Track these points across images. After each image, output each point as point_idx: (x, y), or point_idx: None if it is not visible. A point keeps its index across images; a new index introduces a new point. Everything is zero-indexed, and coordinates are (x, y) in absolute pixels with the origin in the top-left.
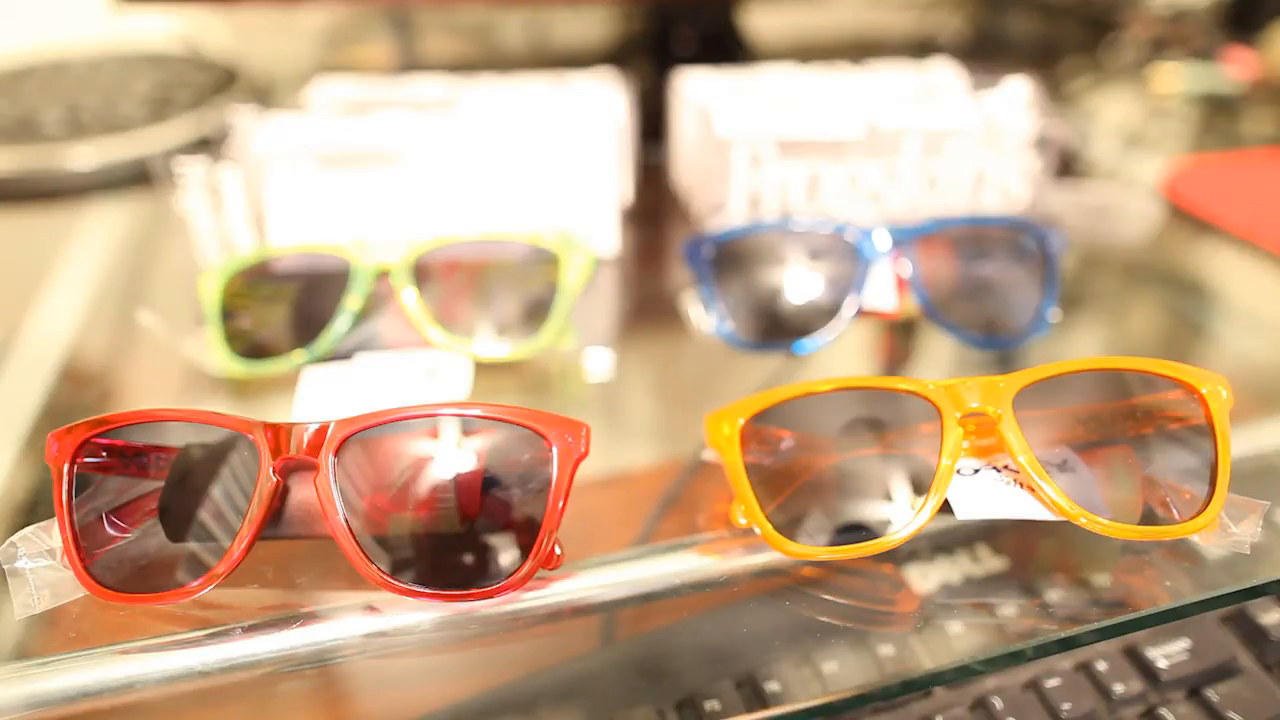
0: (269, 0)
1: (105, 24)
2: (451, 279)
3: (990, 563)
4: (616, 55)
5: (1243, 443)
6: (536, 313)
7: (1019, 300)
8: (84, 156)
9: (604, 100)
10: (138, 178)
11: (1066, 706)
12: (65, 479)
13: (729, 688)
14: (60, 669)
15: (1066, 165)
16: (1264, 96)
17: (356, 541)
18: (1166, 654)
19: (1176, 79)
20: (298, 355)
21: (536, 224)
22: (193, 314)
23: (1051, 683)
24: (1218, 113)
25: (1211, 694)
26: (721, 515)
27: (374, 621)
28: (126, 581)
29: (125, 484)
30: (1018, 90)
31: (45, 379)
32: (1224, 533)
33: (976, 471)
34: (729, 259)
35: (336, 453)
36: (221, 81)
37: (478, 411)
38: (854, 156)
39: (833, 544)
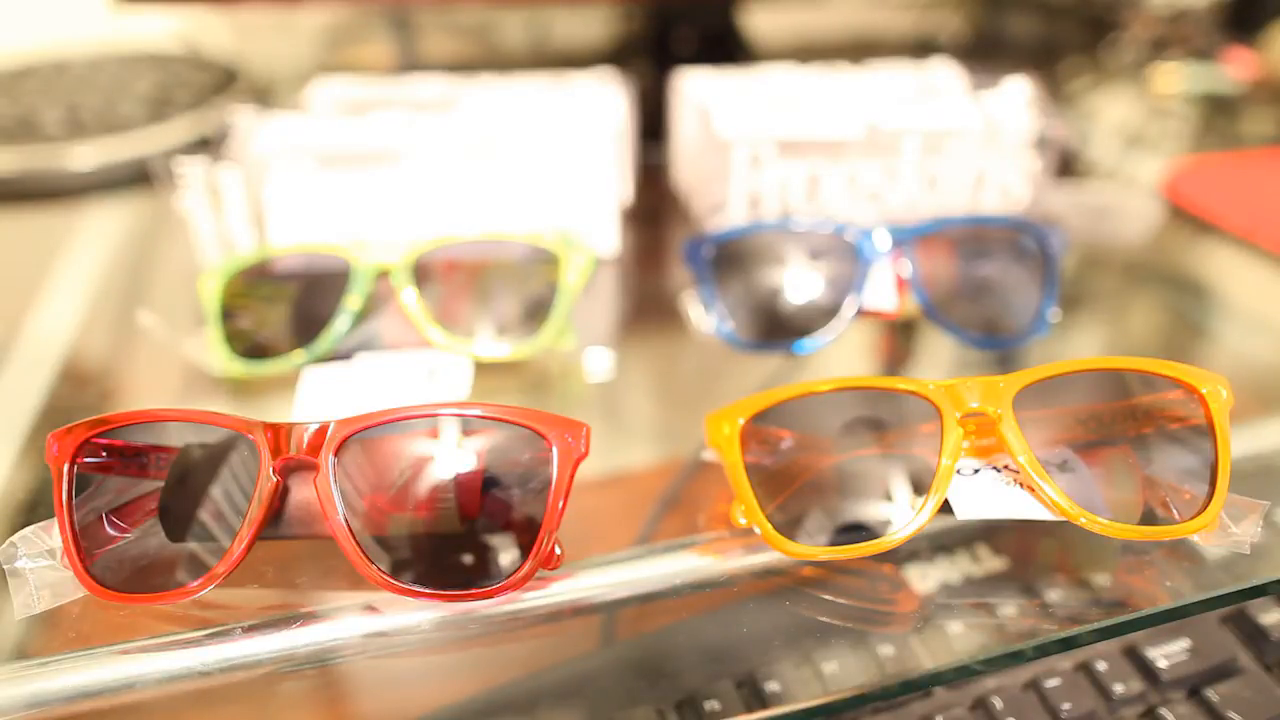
0: (269, 0)
1: (105, 24)
2: (451, 279)
3: (990, 563)
4: (616, 55)
5: (1243, 443)
6: (536, 313)
7: (1019, 300)
8: (84, 156)
9: (604, 100)
10: (138, 178)
11: (1066, 706)
12: (65, 479)
13: (729, 688)
14: (60, 669)
15: (1066, 165)
16: (1264, 96)
17: (356, 541)
18: (1166, 654)
19: (1176, 79)
20: (298, 355)
21: (536, 224)
22: (193, 314)
23: (1051, 683)
24: (1218, 113)
25: (1211, 694)
26: (721, 515)
27: (374, 621)
28: (126, 581)
29: (125, 484)
30: (1018, 90)
31: (45, 379)
32: (1224, 533)
33: (976, 471)
34: (729, 259)
35: (336, 453)
36: (221, 81)
37: (478, 411)
38: (854, 156)
39: (833, 544)
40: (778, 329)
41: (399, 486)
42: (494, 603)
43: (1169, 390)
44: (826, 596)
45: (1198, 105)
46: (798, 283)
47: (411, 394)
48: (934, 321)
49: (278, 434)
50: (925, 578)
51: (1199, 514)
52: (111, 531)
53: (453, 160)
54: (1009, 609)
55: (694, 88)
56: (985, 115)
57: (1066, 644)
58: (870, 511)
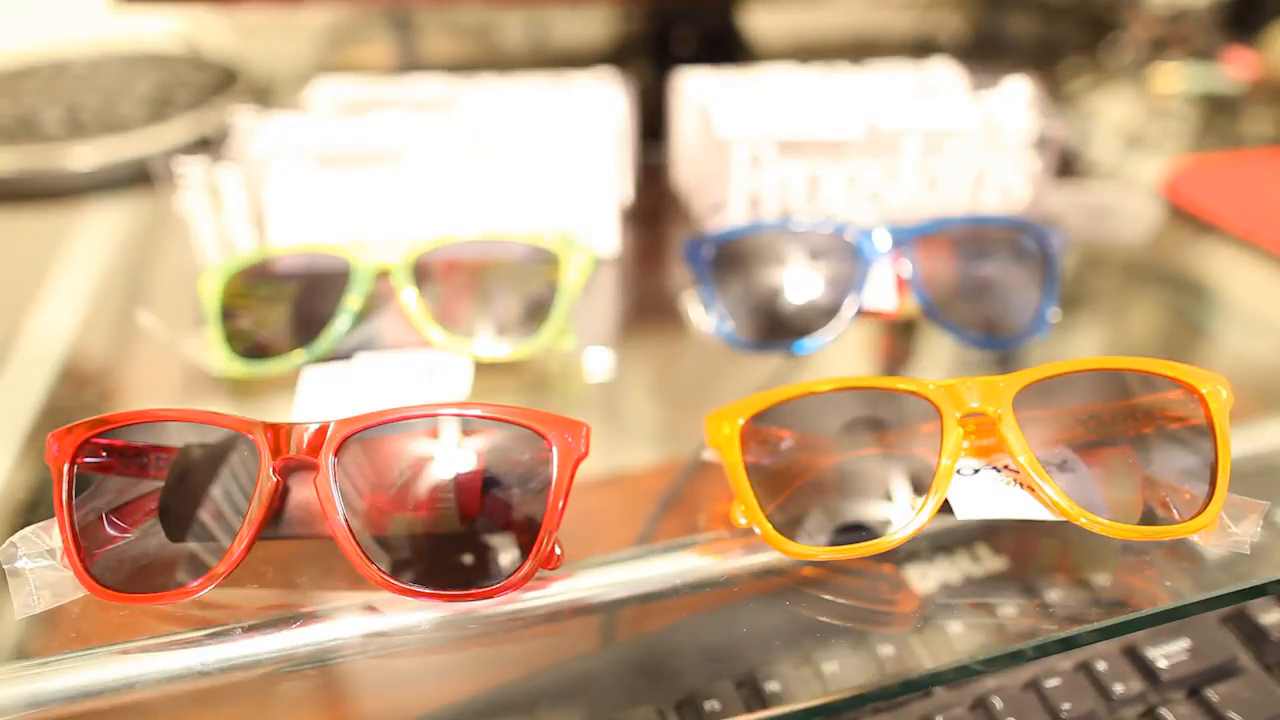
0: (269, 0)
1: (105, 24)
2: (451, 279)
3: (990, 563)
4: (616, 55)
5: (1243, 443)
6: (536, 313)
7: (1019, 300)
8: (84, 156)
9: (604, 100)
10: (138, 178)
11: (1066, 706)
12: (65, 479)
13: (729, 688)
14: (60, 669)
15: (1066, 165)
16: (1264, 96)
17: (356, 541)
18: (1166, 654)
19: (1176, 79)
20: (298, 355)
21: (536, 224)
22: (193, 314)
23: (1051, 683)
24: (1218, 113)
25: (1211, 694)
26: (721, 515)
27: (374, 621)
28: (126, 581)
29: (125, 484)
30: (1018, 90)
31: (45, 379)
32: (1224, 533)
33: (976, 471)
34: (729, 259)
35: (336, 453)
36: (221, 81)
37: (478, 411)
38: (854, 156)
39: (833, 544)
40: (778, 329)
41: (399, 486)
42: (494, 603)
43: (1169, 390)
44: (826, 596)
45: (1198, 105)
46: (798, 283)
47: (411, 394)
48: (934, 321)
49: (278, 434)
50: (925, 578)
51: (1199, 514)
52: (111, 531)
53: (453, 160)
54: (1009, 609)
55: (694, 88)
56: (985, 115)
57: (1066, 644)
58: (870, 511)
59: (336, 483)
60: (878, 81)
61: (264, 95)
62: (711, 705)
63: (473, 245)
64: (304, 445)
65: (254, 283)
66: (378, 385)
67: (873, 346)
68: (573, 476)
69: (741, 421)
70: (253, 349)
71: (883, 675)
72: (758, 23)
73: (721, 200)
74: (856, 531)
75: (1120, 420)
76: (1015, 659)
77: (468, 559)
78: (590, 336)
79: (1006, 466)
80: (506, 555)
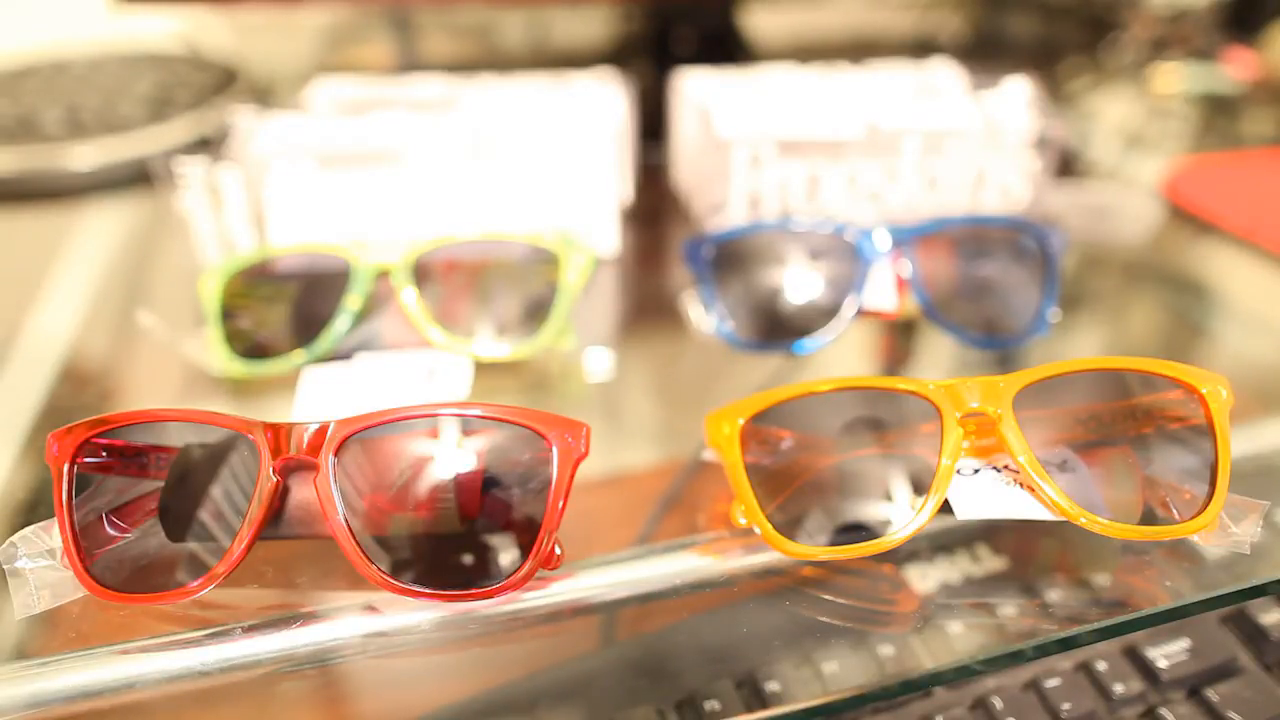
0: (269, 0)
1: (105, 24)
2: (451, 279)
3: (990, 563)
4: (616, 55)
5: (1243, 443)
6: (536, 313)
7: (1019, 300)
8: (84, 156)
9: (604, 100)
10: (138, 178)
11: (1066, 706)
12: (65, 479)
13: (729, 688)
14: (60, 669)
15: (1066, 165)
16: (1264, 96)
17: (356, 541)
18: (1166, 654)
19: (1176, 79)
20: (298, 355)
21: (536, 224)
22: (193, 314)
23: (1051, 683)
24: (1218, 113)
25: (1211, 694)
26: (721, 515)
27: (374, 621)
28: (126, 581)
29: (125, 484)
30: (1018, 90)
31: (45, 379)
32: (1224, 533)
33: (976, 471)
34: (729, 259)
35: (336, 453)
36: (221, 81)
37: (478, 411)
38: (854, 156)
39: (833, 544)
40: (778, 329)
41: (399, 486)
42: (494, 603)
43: (1169, 390)
44: (826, 596)
45: (1198, 105)
46: (798, 283)
47: (411, 394)
48: (934, 321)
49: (278, 434)
50: (925, 578)
51: (1199, 514)
52: (111, 531)
53: (453, 160)
54: (1009, 609)
55: (694, 88)
56: (985, 115)
57: (1066, 644)
58: (870, 511)
59: (336, 483)
60: (878, 81)
61: (264, 95)
62: (711, 705)
63: (473, 245)
64: (304, 445)
65: (254, 283)
66: (378, 385)
67: (873, 346)
68: (573, 476)
69: (741, 421)
70: (253, 349)
71: (883, 675)
72: (758, 23)
73: (721, 200)
74: (856, 531)
75: (1120, 420)
76: (1015, 659)
77: (468, 559)
78: (590, 336)
79: (1006, 466)
80: (506, 555)
